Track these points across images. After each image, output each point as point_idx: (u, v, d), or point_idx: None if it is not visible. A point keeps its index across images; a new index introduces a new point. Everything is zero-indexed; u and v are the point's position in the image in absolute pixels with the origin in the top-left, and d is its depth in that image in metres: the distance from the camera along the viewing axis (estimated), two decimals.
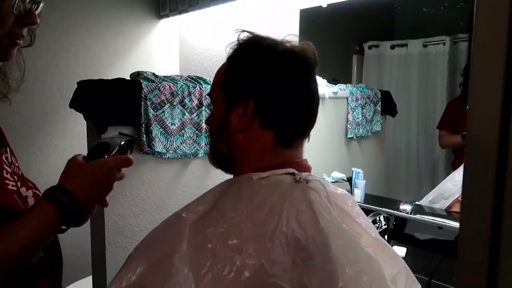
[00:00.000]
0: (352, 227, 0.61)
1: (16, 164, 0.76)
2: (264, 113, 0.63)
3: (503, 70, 0.42)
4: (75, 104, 1.14)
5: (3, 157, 0.70)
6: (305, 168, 0.66)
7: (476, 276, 0.43)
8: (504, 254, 0.41)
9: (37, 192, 0.78)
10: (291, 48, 0.65)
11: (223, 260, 0.53)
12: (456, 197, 1.41)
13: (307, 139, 0.68)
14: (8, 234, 0.59)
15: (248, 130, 0.64)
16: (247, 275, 0.53)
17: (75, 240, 1.21)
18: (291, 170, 0.61)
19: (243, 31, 0.65)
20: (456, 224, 1.27)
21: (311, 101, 0.66)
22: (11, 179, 0.70)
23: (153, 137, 1.22)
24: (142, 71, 1.26)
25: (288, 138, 0.64)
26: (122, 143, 0.73)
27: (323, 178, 1.69)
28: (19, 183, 0.72)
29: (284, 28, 1.55)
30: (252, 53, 0.65)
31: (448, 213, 1.39)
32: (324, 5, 1.58)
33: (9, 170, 0.70)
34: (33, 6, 0.65)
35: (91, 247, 1.26)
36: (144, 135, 1.22)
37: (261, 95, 0.63)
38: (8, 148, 0.74)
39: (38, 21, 0.67)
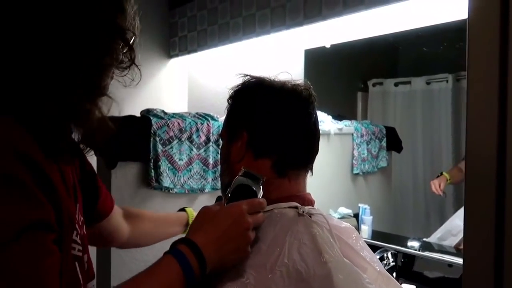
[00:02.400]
0: (356, 261, 0.61)
1: (82, 225, 0.66)
2: (256, 143, 0.67)
3: (496, 107, 0.44)
4: (86, 139, 1.17)
5: (76, 216, 0.61)
6: (308, 201, 0.67)
7: None
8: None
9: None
10: (283, 84, 0.70)
11: None
12: None
13: (309, 173, 0.70)
14: None
15: (244, 160, 0.68)
16: None
17: None
18: (294, 203, 0.63)
19: (245, 75, 0.70)
20: None
21: (306, 133, 0.69)
22: (79, 242, 0.61)
23: (161, 172, 1.24)
24: (152, 108, 1.30)
25: (283, 167, 0.66)
26: (261, 186, 0.63)
27: (330, 214, 1.68)
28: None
29: (290, 67, 1.60)
30: (249, 91, 0.71)
31: (457, 251, 1.36)
32: (328, 46, 1.64)
33: (79, 231, 0.62)
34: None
35: (96, 284, 1.25)
36: (153, 170, 1.24)
37: (252, 126, 0.68)
38: (78, 205, 0.65)
39: None
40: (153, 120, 1.24)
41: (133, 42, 0.60)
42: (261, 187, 0.63)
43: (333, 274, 0.54)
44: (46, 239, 0.48)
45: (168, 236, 1.04)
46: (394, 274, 1.34)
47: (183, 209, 1.05)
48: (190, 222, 1.05)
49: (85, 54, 0.52)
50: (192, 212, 1.09)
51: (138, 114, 1.29)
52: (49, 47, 0.50)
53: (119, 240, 0.91)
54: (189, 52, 1.85)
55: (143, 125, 1.24)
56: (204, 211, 0.61)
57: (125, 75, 0.61)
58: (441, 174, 1.58)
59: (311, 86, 0.71)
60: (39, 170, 0.49)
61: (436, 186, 1.60)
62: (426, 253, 1.37)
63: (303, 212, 0.61)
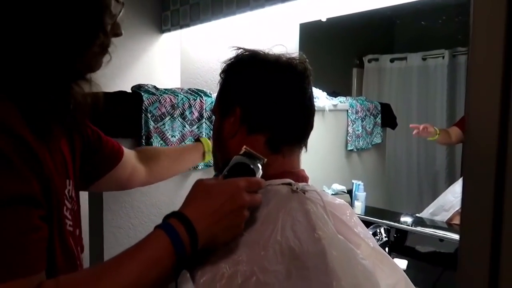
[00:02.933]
0: (350, 237, 0.61)
1: (75, 199, 0.67)
2: (249, 118, 0.66)
3: (500, 82, 0.42)
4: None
5: (65, 191, 0.62)
6: (302, 178, 0.66)
7: None
8: (504, 266, 0.41)
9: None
10: (278, 57, 0.68)
11: (215, 267, 0.53)
12: (456, 209, 1.40)
13: (303, 149, 0.69)
14: (116, 267, 0.50)
15: (237, 136, 0.66)
16: (239, 282, 0.53)
17: None
18: (288, 180, 0.62)
19: (238, 48, 0.68)
20: (457, 237, 1.26)
21: (301, 108, 0.67)
22: (69, 217, 0.62)
23: None
24: (143, 84, 1.28)
25: (277, 143, 0.65)
26: (260, 166, 0.61)
27: (323, 191, 1.68)
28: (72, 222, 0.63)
29: (284, 42, 1.57)
30: (242, 65, 0.69)
31: (449, 226, 1.38)
32: (324, 19, 1.60)
33: (69, 206, 0.62)
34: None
35: (89, 260, 1.25)
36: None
37: (246, 101, 0.66)
38: (71, 181, 0.66)
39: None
40: (145, 96, 1.22)
41: (117, 15, 0.60)
42: (260, 168, 0.61)
43: (327, 251, 0.54)
44: (31, 215, 0.48)
45: (187, 167, 1.15)
46: (387, 249, 1.36)
47: (198, 140, 1.15)
48: (206, 150, 1.13)
49: (65, 34, 0.54)
50: (207, 141, 1.16)
51: (129, 90, 1.26)
52: (31, 29, 0.52)
53: (138, 181, 0.97)
54: (181, 27, 1.80)
55: (134, 101, 1.21)
56: (199, 184, 0.59)
57: (109, 53, 0.61)
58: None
59: (307, 60, 0.69)
60: (26, 146, 0.50)
61: (422, 127, 1.62)
62: (419, 228, 1.39)
63: (297, 188, 0.61)
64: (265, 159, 0.61)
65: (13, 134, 0.48)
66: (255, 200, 0.57)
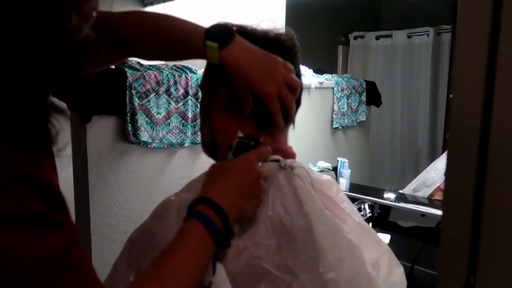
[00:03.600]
0: (337, 212, 0.62)
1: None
2: (237, 97, 0.64)
3: (485, 61, 0.43)
4: (58, 93, 1.12)
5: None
6: (290, 155, 0.67)
7: (456, 264, 0.44)
8: (484, 241, 0.43)
9: None
10: (265, 33, 0.67)
11: None
12: (438, 185, 1.44)
13: (291, 126, 0.69)
14: (174, 271, 0.50)
15: (226, 114, 0.65)
16: (232, 255, 0.54)
17: None
18: (276, 157, 0.62)
19: (226, 23, 0.66)
20: (438, 212, 1.30)
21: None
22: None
23: (138, 127, 1.21)
24: (127, 60, 1.25)
25: (265, 122, 0.64)
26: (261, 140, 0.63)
27: (309, 168, 1.70)
28: None
29: (270, 18, 1.55)
30: None
31: (430, 201, 1.42)
32: None
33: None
34: None
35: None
36: (130, 125, 1.21)
37: (231, 80, 0.64)
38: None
39: None
40: (129, 72, 1.19)
41: None
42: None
43: (313, 226, 0.55)
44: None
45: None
46: (371, 224, 1.39)
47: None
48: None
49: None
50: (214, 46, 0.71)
51: (112, 66, 1.24)
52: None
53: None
54: (164, 1, 1.76)
55: (118, 77, 1.18)
56: (214, 167, 0.60)
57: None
58: None
59: (295, 36, 0.68)
60: (41, 185, 0.43)
61: None
62: (401, 204, 1.42)
63: (285, 165, 0.61)
64: (262, 137, 0.62)
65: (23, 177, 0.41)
66: (264, 172, 0.59)
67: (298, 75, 0.68)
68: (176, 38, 0.68)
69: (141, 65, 1.26)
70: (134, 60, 1.26)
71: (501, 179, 0.41)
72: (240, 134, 0.63)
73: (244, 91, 0.63)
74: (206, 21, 0.68)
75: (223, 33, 0.62)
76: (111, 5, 0.57)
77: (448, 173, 0.45)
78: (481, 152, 0.41)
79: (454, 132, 0.43)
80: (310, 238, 0.54)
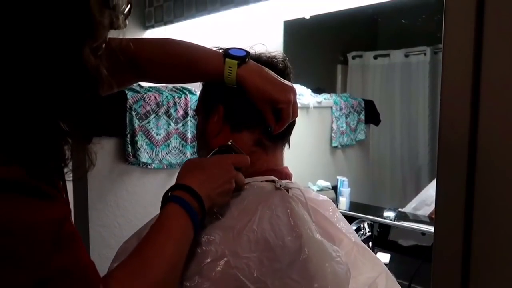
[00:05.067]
0: (333, 232, 0.62)
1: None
2: (232, 116, 0.66)
3: (471, 78, 0.44)
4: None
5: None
6: (286, 175, 0.67)
7: (450, 281, 0.44)
8: (475, 257, 0.43)
9: None
10: (258, 56, 0.69)
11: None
12: None
13: (286, 145, 0.70)
14: (157, 250, 0.51)
15: (221, 135, 0.67)
16: (208, 260, 0.54)
17: None
18: (272, 177, 0.63)
19: (220, 48, 0.68)
20: None
21: None
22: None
23: (138, 148, 1.23)
24: None
25: (260, 141, 0.65)
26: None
27: (308, 187, 1.70)
28: None
29: (269, 40, 1.58)
30: None
31: (431, 220, 1.41)
32: (307, 17, 1.62)
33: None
34: None
35: None
36: (130, 146, 1.22)
37: (228, 99, 0.66)
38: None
39: None
40: (129, 94, 1.21)
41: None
42: None
43: (302, 250, 0.55)
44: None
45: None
46: (370, 243, 1.38)
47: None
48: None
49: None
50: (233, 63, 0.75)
51: None
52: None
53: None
54: (165, 23, 1.79)
55: (118, 99, 1.21)
56: (190, 160, 0.63)
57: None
58: None
59: (287, 58, 0.70)
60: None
61: None
62: (401, 223, 1.42)
63: (280, 186, 0.62)
64: (246, 156, 0.64)
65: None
66: (240, 178, 0.62)
67: None
68: (194, 59, 0.70)
69: (141, 87, 1.28)
70: None
71: (489, 199, 0.42)
72: (229, 143, 0.65)
73: (264, 105, 0.65)
74: (206, 44, 0.70)
75: (241, 52, 0.66)
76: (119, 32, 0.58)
77: (438, 196, 0.45)
78: (469, 173, 0.42)
79: (443, 157, 0.44)
80: (296, 261, 0.54)
